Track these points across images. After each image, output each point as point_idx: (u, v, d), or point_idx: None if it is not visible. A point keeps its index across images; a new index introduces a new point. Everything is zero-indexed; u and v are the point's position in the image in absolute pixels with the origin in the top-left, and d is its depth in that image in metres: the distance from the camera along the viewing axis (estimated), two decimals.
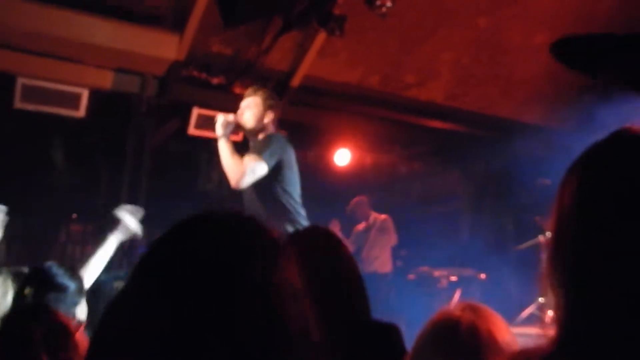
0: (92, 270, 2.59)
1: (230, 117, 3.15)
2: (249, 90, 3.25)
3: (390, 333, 1.58)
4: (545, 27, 5.00)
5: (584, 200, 0.71)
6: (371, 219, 5.68)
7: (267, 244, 0.69)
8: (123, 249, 4.72)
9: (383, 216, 5.64)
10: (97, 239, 2.66)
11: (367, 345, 1.44)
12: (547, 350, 0.70)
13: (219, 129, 3.09)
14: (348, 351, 1.16)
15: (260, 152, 3.03)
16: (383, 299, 4.98)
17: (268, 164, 3.00)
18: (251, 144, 3.24)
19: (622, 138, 0.74)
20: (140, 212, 2.83)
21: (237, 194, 3.42)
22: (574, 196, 0.72)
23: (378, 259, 5.45)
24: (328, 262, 1.54)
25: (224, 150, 3.07)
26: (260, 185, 3.07)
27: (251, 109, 3.16)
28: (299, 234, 1.80)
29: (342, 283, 1.63)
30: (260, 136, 3.18)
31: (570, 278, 0.69)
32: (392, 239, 5.58)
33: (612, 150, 0.74)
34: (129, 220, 2.69)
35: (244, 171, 2.97)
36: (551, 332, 0.71)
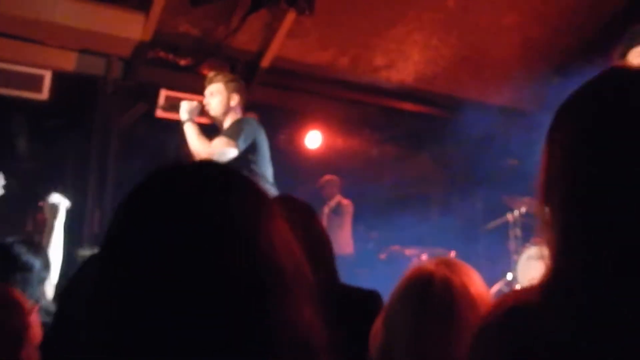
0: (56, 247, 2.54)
1: (195, 102, 3.17)
2: (210, 76, 3.25)
3: (373, 298, 1.61)
4: (514, 8, 5.05)
5: (580, 141, 0.69)
6: (333, 201, 5.71)
7: (255, 191, 0.68)
8: (93, 233, 4.65)
9: (346, 201, 5.69)
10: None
11: (350, 309, 1.44)
12: (535, 297, 0.69)
13: (184, 114, 3.11)
14: (332, 314, 1.16)
15: (231, 135, 3.02)
16: (347, 280, 5.02)
17: (238, 147, 2.99)
18: (222, 128, 3.21)
19: (608, 77, 0.72)
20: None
21: None
22: (568, 137, 0.70)
23: (338, 241, 5.49)
24: (307, 226, 1.54)
25: (191, 133, 3.08)
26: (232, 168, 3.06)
27: (215, 96, 3.16)
28: (276, 199, 1.80)
29: (321, 248, 1.65)
30: (229, 120, 3.16)
31: (562, 223, 0.68)
32: (348, 223, 5.63)
33: (601, 88, 0.72)
34: (60, 199, 2.67)
35: (213, 153, 2.95)
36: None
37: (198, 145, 3.04)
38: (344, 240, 5.56)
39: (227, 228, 0.61)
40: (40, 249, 2.08)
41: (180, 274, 0.58)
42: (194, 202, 0.62)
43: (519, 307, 0.70)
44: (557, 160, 0.71)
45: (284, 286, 0.62)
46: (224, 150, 2.97)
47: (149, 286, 0.58)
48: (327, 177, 5.77)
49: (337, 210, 5.62)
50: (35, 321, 1.44)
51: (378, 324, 1.25)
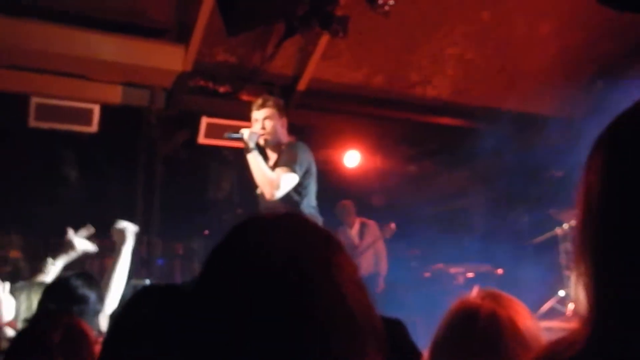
0: (117, 283, 2.62)
1: (256, 129, 3.17)
2: (260, 101, 3.25)
3: (396, 327, 1.57)
4: (550, 16, 4.96)
5: (612, 175, 0.66)
6: (356, 225, 5.63)
7: (323, 236, 0.71)
8: (142, 260, 4.80)
9: (370, 222, 5.63)
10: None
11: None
12: (578, 345, 0.65)
13: (248, 142, 3.10)
14: None
15: (290, 163, 3.07)
16: (390, 298, 4.96)
17: (298, 175, 3.06)
18: (270, 152, 3.27)
19: None
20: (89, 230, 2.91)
21: (250, 201, 3.45)
22: (601, 171, 0.67)
23: (372, 261, 5.42)
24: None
25: (255, 162, 3.08)
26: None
27: (269, 120, 3.18)
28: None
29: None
30: (282, 145, 3.21)
31: (601, 260, 0.65)
32: (381, 242, 5.55)
33: (637, 121, 0.68)
34: (128, 225, 2.76)
35: (278, 183, 3.02)
36: (575, 324, 0.66)
37: (263, 176, 3.06)
38: (381, 261, 5.48)
39: (306, 277, 0.65)
40: (94, 282, 2.15)
41: (268, 320, 0.63)
42: (278, 255, 0.67)
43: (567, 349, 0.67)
44: (595, 191, 0.67)
45: (356, 334, 0.64)
46: (287, 179, 3.03)
47: (233, 332, 0.63)
48: (342, 203, 5.68)
49: (362, 233, 5.55)
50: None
51: (425, 357, 1.23)
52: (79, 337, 1.47)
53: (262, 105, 3.21)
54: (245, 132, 3.14)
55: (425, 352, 1.22)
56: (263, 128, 3.17)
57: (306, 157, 3.16)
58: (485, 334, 1.15)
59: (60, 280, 2.18)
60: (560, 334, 0.71)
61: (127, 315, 1.34)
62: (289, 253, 0.66)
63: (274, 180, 3.04)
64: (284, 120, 3.26)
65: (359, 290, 0.67)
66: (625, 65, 5.23)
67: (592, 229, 0.66)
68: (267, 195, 3.06)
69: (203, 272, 0.70)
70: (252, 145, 3.11)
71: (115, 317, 1.42)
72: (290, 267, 0.65)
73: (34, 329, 1.51)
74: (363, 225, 5.59)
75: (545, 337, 1.18)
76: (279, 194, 3.04)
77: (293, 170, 3.05)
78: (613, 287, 0.63)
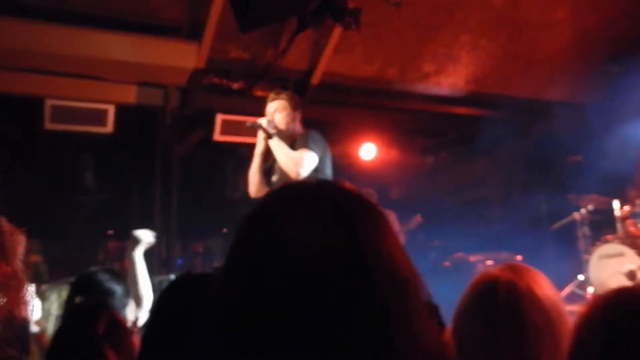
0: (143, 285, 2.63)
1: (272, 118, 3.22)
2: (272, 94, 3.32)
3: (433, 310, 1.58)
4: (563, 1, 4.91)
5: None
6: None
7: (376, 210, 0.69)
8: (161, 260, 4.81)
9: (389, 212, 5.58)
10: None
11: None
12: None
13: (268, 129, 3.17)
14: None
15: (306, 144, 3.13)
16: None
17: (317, 154, 3.12)
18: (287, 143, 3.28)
19: None
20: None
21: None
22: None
23: None
24: None
25: (278, 146, 3.14)
26: None
27: (281, 112, 3.24)
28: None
29: None
30: (295, 137, 3.24)
31: None
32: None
33: None
34: (145, 235, 2.77)
35: (301, 163, 3.07)
36: None
37: (287, 157, 3.11)
38: None
39: (358, 246, 0.63)
40: (119, 276, 2.17)
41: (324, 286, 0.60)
42: (322, 222, 0.64)
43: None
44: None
45: (412, 299, 0.63)
46: (308, 158, 3.09)
47: (282, 303, 0.60)
48: (364, 191, 5.63)
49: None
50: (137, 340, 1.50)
51: (447, 334, 1.24)
52: (121, 328, 1.47)
53: (274, 98, 3.28)
54: (263, 121, 3.21)
55: (448, 329, 1.23)
56: (273, 118, 3.23)
57: (321, 141, 3.23)
58: (505, 303, 1.17)
59: (86, 275, 2.17)
60: None
61: (164, 307, 1.35)
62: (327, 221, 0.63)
63: (297, 159, 3.08)
64: (297, 114, 3.31)
65: (406, 258, 0.66)
66: (638, 50, 5.18)
67: None
68: (293, 175, 3.10)
69: (234, 249, 0.67)
70: (272, 131, 3.17)
71: (152, 310, 1.43)
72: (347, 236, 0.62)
73: (76, 323, 1.51)
74: None
75: (566, 306, 1.20)
76: (304, 172, 3.09)
77: (312, 150, 3.11)
78: None
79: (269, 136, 3.16)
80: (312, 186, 0.71)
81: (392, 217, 5.53)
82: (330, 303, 0.59)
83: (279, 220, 0.65)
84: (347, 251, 0.62)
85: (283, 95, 3.31)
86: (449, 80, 5.30)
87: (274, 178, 3.34)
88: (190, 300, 1.32)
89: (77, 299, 2.05)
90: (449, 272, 5.43)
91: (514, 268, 1.23)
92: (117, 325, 1.43)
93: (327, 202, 0.66)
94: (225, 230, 5.99)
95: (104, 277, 2.07)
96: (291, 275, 0.60)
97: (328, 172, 3.24)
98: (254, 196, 3.39)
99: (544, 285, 1.20)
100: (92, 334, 1.37)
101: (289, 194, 0.70)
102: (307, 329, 0.58)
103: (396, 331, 0.60)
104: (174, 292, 1.42)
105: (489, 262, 5.34)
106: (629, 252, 4.63)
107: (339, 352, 0.58)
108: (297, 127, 3.30)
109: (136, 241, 2.71)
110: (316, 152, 3.11)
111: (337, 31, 4.60)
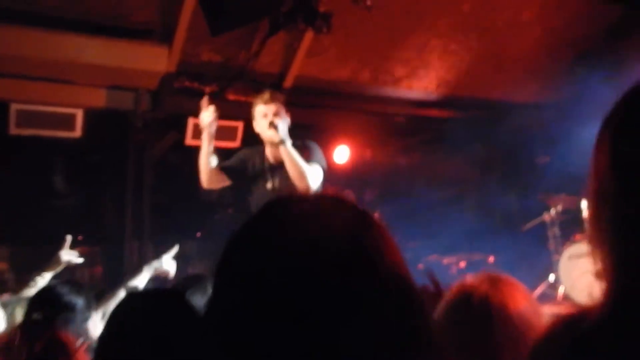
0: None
1: (283, 121, 3.04)
2: (267, 96, 3.10)
3: None
4: (530, 3, 5.01)
5: (620, 154, 0.67)
6: None
7: (364, 215, 0.69)
8: (133, 265, 4.74)
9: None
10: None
11: None
12: (594, 317, 0.66)
13: (282, 134, 2.96)
14: None
15: (317, 159, 3.03)
16: None
17: (323, 169, 3.03)
18: (272, 148, 3.12)
19: None
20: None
21: (242, 201, 3.41)
22: (609, 151, 0.68)
23: None
24: None
25: (292, 154, 2.94)
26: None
27: (280, 116, 3.05)
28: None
29: None
30: (296, 143, 3.07)
31: (617, 241, 0.66)
32: None
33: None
34: (168, 261, 2.74)
35: (313, 177, 2.95)
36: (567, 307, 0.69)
37: (301, 168, 2.93)
38: None
39: (350, 253, 0.63)
40: (81, 288, 2.11)
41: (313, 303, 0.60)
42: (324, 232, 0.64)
43: (578, 325, 0.68)
44: (606, 170, 0.68)
45: (415, 295, 0.65)
46: (320, 174, 3.00)
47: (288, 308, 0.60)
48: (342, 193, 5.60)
49: None
50: (83, 358, 1.47)
51: None
52: (61, 347, 1.45)
53: (271, 100, 3.07)
54: (281, 124, 2.99)
55: None
56: (272, 123, 3.01)
57: (322, 156, 3.14)
58: (477, 318, 1.18)
59: (45, 289, 2.14)
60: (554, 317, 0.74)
61: (114, 323, 1.34)
62: (320, 240, 0.63)
63: (310, 173, 2.94)
64: (288, 116, 3.14)
65: (399, 267, 0.66)
66: (604, 48, 5.31)
67: (605, 209, 0.67)
68: (310, 187, 2.95)
69: (224, 260, 0.66)
70: (285, 136, 2.98)
71: (104, 326, 1.41)
72: (322, 253, 0.62)
73: (15, 341, 1.49)
74: None
75: (541, 318, 1.21)
76: (314, 187, 2.96)
77: (321, 165, 3.02)
78: (630, 266, 0.64)
79: (281, 141, 2.95)
80: (317, 200, 0.71)
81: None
82: (335, 306, 0.59)
83: (284, 231, 0.65)
84: (353, 256, 0.62)
85: (278, 97, 3.12)
86: (421, 83, 5.36)
87: (269, 185, 3.16)
88: (139, 320, 1.31)
89: (35, 315, 2.00)
90: (423, 275, 5.46)
91: (492, 280, 1.24)
92: (57, 344, 1.40)
93: (334, 216, 0.67)
94: (199, 234, 5.94)
95: (63, 291, 2.03)
96: (294, 275, 0.60)
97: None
98: (207, 187, 3.23)
99: (519, 300, 1.21)
100: (28, 353, 1.35)
101: (294, 206, 0.69)
102: (309, 331, 0.58)
103: (399, 334, 0.61)
104: (122, 312, 1.40)
105: (462, 264, 5.41)
106: None
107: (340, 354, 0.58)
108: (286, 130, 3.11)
109: (158, 263, 2.67)
110: (323, 167, 3.03)
111: (310, 34, 4.61)
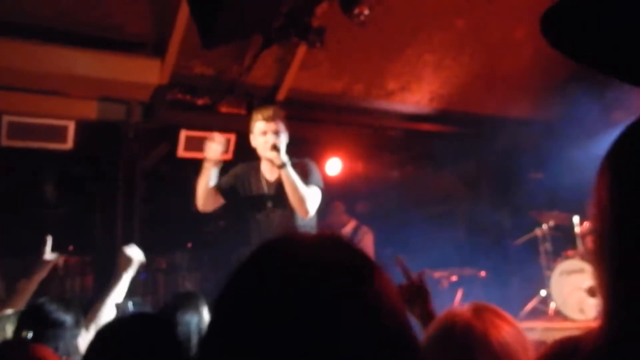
0: (110, 306, 2.57)
1: (283, 141, 2.99)
2: (270, 113, 3.04)
3: None
4: (523, 20, 5.03)
5: (620, 193, 0.68)
6: (349, 227, 5.53)
7: (360, 259, 0.69)
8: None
9: (365, 228, 5.51)
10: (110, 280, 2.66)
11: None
12: (594, 344, 0.68)
13: (285, 157, 2.91)
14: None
15: (317, 182, 3.00)
16: None
17: (322, 190, 3.00)
18: (270, 167, 3.09)
19: None
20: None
21: (232, 213, 3.40)
22: (610, 188, 0.69)
23: None
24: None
25: (293, 177, 2.88)
26: (284, 209, 3.01)
27: (282, 134, 3.01)
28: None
29: None
30: (295, 162, 3.03)
31: (617, 272, 0.67)
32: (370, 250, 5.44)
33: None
34: (136, 254, 2.71)
35: (313, 201, 2.91)
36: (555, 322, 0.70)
37: (301, 191, 2.88)
38: None
39: (338, 300, 0.63)
40: (70, 305, 2.12)
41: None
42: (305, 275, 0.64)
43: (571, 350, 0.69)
44: (606, 206, 0.69)
45: (413, 344, 0.66)
46: (318, 196, 2.96)
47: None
48: (332, 203, 5.52)
49: (354, 237, 5.47)
50: None
51: None
52: None
53: (274, 118, 3.00)
54: (283, 145, 2.95)
55: None
56: (275, 141, 2.96)
57: (320, 176, 3.10)
58: (460, 346, 1.19)
59: (34, 306, 2.14)
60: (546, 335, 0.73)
61: (99, 349, 1.34)
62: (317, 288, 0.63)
63: (309, 197, 2.89)
64: (287, 133, 3.09)
65: (394, 314, 0.66)
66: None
67: (607, 240, 0.69)
68: (302, 214, 2.91)
69: (219, 301, 0.66)
70: (286, 159, 2.93)
71: (89, 347, 1.42)
72: (323, 292, 0.62)
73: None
74: (356, 229, 5.52)
75: (527, 349, 1.21)
76: (313, 211, 2.92)
77: (320, 187, 2.98)
78: (628, 296, 0.65)
79: (282, 164, 2.88)
80: (318, 244, 0.70)
81: (364, 230, 5.53)
82: (335, 355, 0.60)
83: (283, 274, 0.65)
84: (353, 305, 0.63)
85: (280, 113, 3.05)
86: (414, 97, 5.37)
87: (268, 205, 3.08)
88: (124, 350, 1.32)
89: (24, 333, 2.00)
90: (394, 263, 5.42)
91: (476, 309, 1.25)
92: None
93: (334, 263, 0.66)
94: (189, 244, 5.93)
95: (51, 308, 2.03)
96: (293, 324, 0.60)
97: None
98: (202, 209, 3.21)
99: (503, 329, 1.21)
100: None
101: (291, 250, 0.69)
102: (307, 344, 0.59)
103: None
104: (108, 339, 1.41)
105: (453, 278, 5.40)
106: (589, 269, 4.74)
107: None
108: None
109: (131, 261, 2.63)
110: (321, 188, 2.99)
111: (303, 48, 4.61)
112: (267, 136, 2.98)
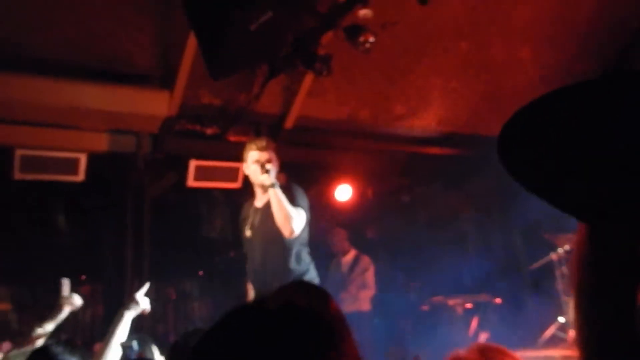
0: (115, 347, 2.61)
1: (271, 167, 3.27)
2: (263, 143, 3.36)
3: None
4: (528, 40, 5.03)
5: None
6: (351, 255, 5.44)
7: (322, 330, 0.71)
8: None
9: (366, 258, 5.42)
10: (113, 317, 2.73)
11: None
12: None
13: (272, 179, 3.18)
14: None
15: (301, 203, 3.22)
16: (368, 337, 4.84)
17: (306, 213, 3.22)
18: (260, 192, 3.38)
19: None
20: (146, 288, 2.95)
21: (241, 241, 3.49)
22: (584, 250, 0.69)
23: (358, 298, 5.24)
24: (322, 312, 1.54)
25: (280, 198, 3.14)
26: (273, 233, 3.19)
27: (273, 163, 3.29)
28: (292, 285, 1.85)
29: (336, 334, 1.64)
30: (281, 186, 3.27)
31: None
32: (371, 281, 5.38)
33: None
34: (142, 299, 2.79)
35: (298, 221, 3.14)
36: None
37: (285, 211, 3.11)
38: (365, 297, 5.30)
39: None
40: (75, 347, 2.14)
41: None
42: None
43: None
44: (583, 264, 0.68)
45: None
46: (304, 218, 3.18)
47: None
48: (335, 230, 5.52)
49: (354, 267, 5.37)
50: None
51: None
52: None
53: (266, 148, 3.31)
54: (272, 170, 3.22)
55: None
56: (266, 169, 3.25)
57: (305, 199, 3.32)
58: None
59: (40, 349, 2.18)
60: None
61: None
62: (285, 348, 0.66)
63: (294, 217, 3.11)
64: (278, 162, 3.39)
65: None
66: None
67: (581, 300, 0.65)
68: (286, 233, 3.13)
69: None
70: (275, 181, 3.18)
71: None
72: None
73: None
74: (357, 258, 5.45)
75: None
76: (298, 231, 3.12)
77: (304, 209, 3.19)
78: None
79: (271, 185, 3.16)
80: (277, 315, 0.72)
81: (366, 261, 5.46)
82: None
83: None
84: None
85: (271, 144, 3.37)
86: (421, 121, 5.35)
87: (248, 233, 3.36)
88: None
89: None
90: (427, 316, 5.34)
91: (481, 350, 1.23)
92: None
93: (293, 336, 0.69)
94: (200, 272, 5.91)
95: (57, 350, 2.07)
96: None
97: (306, 226, 3.27)
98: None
99: None
100: None
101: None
102: None
103: None
104: None
105: (468, 306, 5.28)
106: None
107: None
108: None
109: (135, 304, 2.72)
110: (306, 210, 3.20)
111: (309, 76, 4.64)
112: (259, 164, 3.28)
